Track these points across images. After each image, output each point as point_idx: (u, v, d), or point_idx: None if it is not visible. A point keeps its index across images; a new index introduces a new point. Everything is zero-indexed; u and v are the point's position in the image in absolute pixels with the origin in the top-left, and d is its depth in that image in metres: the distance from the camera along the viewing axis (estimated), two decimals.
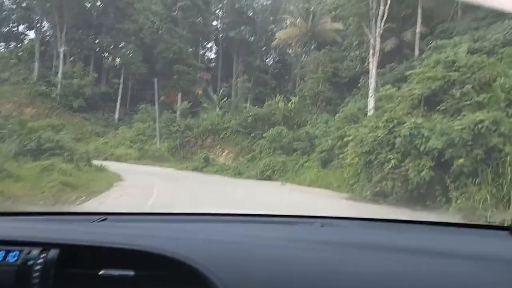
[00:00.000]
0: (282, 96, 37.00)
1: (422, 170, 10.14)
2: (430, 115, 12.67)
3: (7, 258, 1.46)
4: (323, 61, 31.53)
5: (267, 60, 55.60)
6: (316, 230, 1.78)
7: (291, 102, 35.41)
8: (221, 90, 41.94)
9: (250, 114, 33.61)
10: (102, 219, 1.90)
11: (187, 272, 1.37)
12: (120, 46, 44.74)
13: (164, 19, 45.10)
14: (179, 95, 46.11)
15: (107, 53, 46.23)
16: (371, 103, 19.48)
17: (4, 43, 47.76)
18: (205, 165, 28.44)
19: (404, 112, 13.05)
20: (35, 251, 1.46)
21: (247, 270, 1.34)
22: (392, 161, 11.39)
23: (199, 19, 48.11)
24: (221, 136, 34.50)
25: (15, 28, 49.56)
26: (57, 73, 43.71)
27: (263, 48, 54.08)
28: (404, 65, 21.16)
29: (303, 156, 24.54)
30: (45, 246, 1.49)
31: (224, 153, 33.33)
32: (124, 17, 44.32)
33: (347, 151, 16.03)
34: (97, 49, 46.23)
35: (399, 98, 14.24)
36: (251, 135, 33.16)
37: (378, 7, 20.31)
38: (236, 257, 1.41)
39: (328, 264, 1.35)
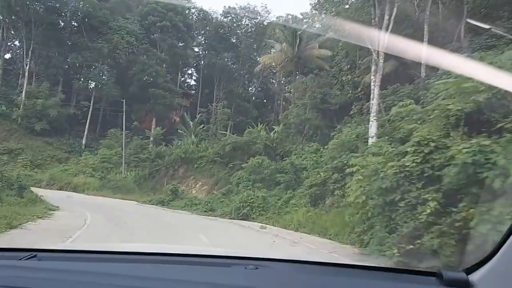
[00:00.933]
0: (265, 125, 33.19)
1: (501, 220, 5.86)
2: (472, 137, 8.59)
3: None
4: (311, 86, 27.75)
5: (249, 89, 51.96)
6: (250, 273, 1.67)
7: (274, 131, 31.53)
8: (198, 115, 37.64)
9: (229, 142, 29.33)
10: (30, 256, 1.72)
11: None
12: (92, 66, 40.36)
13: (140, 40, 41.14)
14: (154, 120, 41.78)
15: (78, 74, 41.72)
16: (373, 128, 15.53)
17: None
18: (172, 198, 23.86)
19: (435, 134, 8.99)
20: None
21: None
22: (431, 204, 7.24)
23: (179, 42, 44.38)
24: (195, 166, 30.05)
25: None
26: (22, 92, 38.99)
27: (246, 76, 50.55)
28: (411, 86, 17.45)
29: (287, 191, 20.23)
30: None
31: (198, 185, 28.78)
32: (98, 35, 40.25)
33: (348, 186, 11.84)
34: (67, 68, 41.71)
35: (424, 117, 10.20)
36: (228, 166, 28.83)
37: (381, 16, 16.71)
38: None
39: None
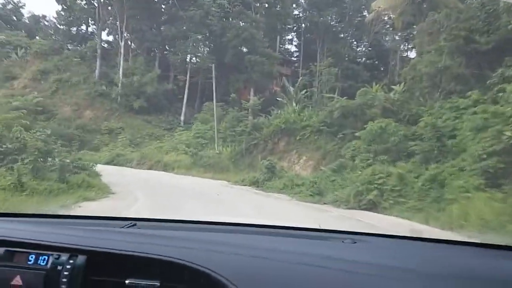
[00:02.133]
0: (382, 85, 26.20)
1: None
2: None
3: (37, 262, 1.41)
4: (446, 25, 20.04)
5: (358, 49, 44.31)
6: (348, 247, 1.65)
7: (394, 91, 24.44)
8: (299, 80, 31.69)
9: (337, 106, 23.07)
10: (131, 224, 1.82)
11: (213, 285, 1.29)
12: (186, 37, 36.59)
13: (233, 2, 36.14)
14: (252, 91, 36.91)
15: (172, 47, 38.40)
16: None
17: (74, 44, 42.30)
18: (268, 178, 18.63)
19: None
20: (64, 257, 1.42)
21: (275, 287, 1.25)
22: None
23: (276, 2, 38.55)
24: (297, 138, 24.40)
25: (84, 28, 44.38)
26: (119, 70, 36.96)
27: (354, 34, 42.91)
28: None
29: (427, 164, 13.51)
30: (74, 251, 1.43)
31: (301, 160, 23.16)
32: (190, 2, 36.28)
33: None
34: (161, 41, 38.63)
35: None
36: (337, 136, 22.70)
37: None
38: (263, 273, 1.31)
39: (361, 283, 1.25)
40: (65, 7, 41.86)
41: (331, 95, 25.85)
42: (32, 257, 1.45)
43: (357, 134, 20.63)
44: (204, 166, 23.53)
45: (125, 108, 35.91)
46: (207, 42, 38.19)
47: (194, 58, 37.99)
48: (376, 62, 42.85)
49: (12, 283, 1.40)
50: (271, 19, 38.07)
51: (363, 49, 43.08)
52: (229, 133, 28.16)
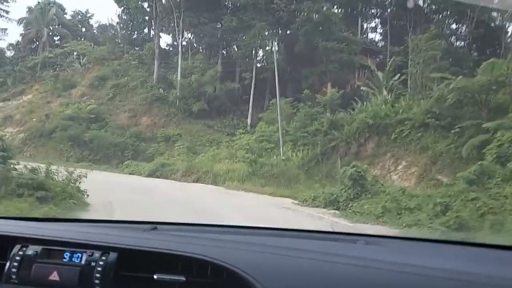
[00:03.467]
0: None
1: None
2: None
3: (72, 259, 1.51)
4: None
5: (460, 31, 35.76)
6: (361, 247, 1.69)
7: None
8: (390, 60, 24.77)
9: (451, 89, 16.20)
10: (153, 227, 1.90)
11: (236, 281, 1.35)
12: (248, 28, 31.44)
13: None
14: (329, 86, 30.58)
15: (234, 40, 33.45)
16: None
17: (134, 48, 39.42)
18: (355, 194, 12.30)
19: None
20: (97, 254, 1.51)
21: (295, 282, 1.31)
22: None
23: None
24: (392, 136, 17.84)
25: (145, 30, 41.47)
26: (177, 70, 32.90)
27: (453, 13, 34.60)
28: None
29: None
30: (105, 249, 1.53)
31: (401, 166, 16.61)
32: None
33: None
34: (222, 36, 33.91)
35: None
36: (452, 130, 15.85)
37: None
38: (283, 270, 1.36)
39: (375, 282, 1.29)
40: (124, 8, 39.21)
41: (440, 74, 18.73)
42: (67, 255, 1.53)
43: (486, 125, 13.83)
44: (265, 177, 17.90)
45: (183, 113, 31.67)
46: (274, 31, 32.78)
47: (260, 52, 32.70)
48: (484, 43, 34.15)
49: (50, 278, 1.47)
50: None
51: (468, 26, 34.42)
52: (300, 134, 22.24)
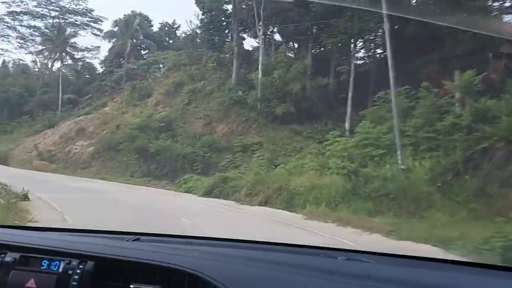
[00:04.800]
0: None
1: None
2: None
3: (50, 267, 1.52)
4: None
5: None
6: (342, 263, 1.66)
7: None
8: None
9: None
10: (135, 238, 1.90)
11: None
12: (343, 11, 24.85)
13: None
14: (457, 74, 22.42)
15: (326, 27, 26.93)
16: None
17: (212, 50, 35.22)
18: None
19: None
20: (74, 262, 1.51)
21: None
22: None
23: None
24: None
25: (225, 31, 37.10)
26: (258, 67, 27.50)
27: None
28: None
29: None
30: (83, 258, 1.52)
31: None
32: None
33: None
34: (310, 22, 27.69)
35: None
36: None
37: None
38: (260, 283, 1.36)
39: None
40: (205, 12, 35.35)
41: None
42: (45, 262, 1.54)
43: None
44: (373, 199, 11.12)
45: (265, 117, 26.04)
46: (376, 14, 25.69)
47: (358, 37, 25.85)
48: None
49: (27, 285, 1.48)
50: None
51: None
52: (425, 135, 15.02)
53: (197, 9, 36.01)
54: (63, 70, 45.89)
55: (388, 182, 11.64)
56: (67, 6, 46.20)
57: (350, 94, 24.90)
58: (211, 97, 29.00)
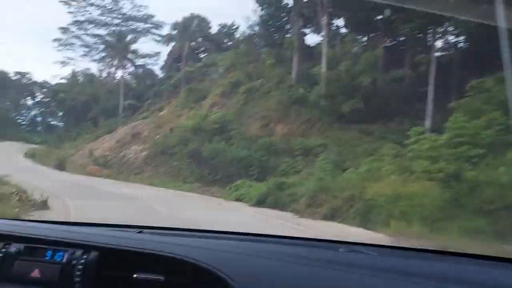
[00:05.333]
0: None
1: None
2: None
3: (54, 257, 1.53)
4: None
5: None
6: (344, 255, 1.69)
7: None
8: None
9: None
10: (138, 231, 1.92)
11: (215, 282, 1.34)
12: None
13: None
14: None
15: (399, 10, 23.38)
16: None
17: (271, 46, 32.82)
18: None
19: None
20: (78, 252, 1.52)
21: (274, 285, 1.31)
22: None
23: None
24: None
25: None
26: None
27: None
28: None
29: None
30: (87, 248, 1.53)
31: None
32: None
33: None
34: (381, 5, 24.26)
35: None
36: None
37: None
38: (263, 273, 1.36)
39: (353, 284, 1.30)
40: (264, 7, 33.09)
41: None
42: (49, 253, 1.55)
43: None
44: (488, 213, 7.77)
45: (330, 116, 23.05)
46: None
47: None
48: None
49: (31, 275, 1.49)
50: None
51: None
52: None
53: (256, 6, 34.01)
54: (125, 77, 46.23)
55: (506, 190, 8.27)
56: (128, 13, 46.62)
57: (431, 87, 21.17)
58: (269, 96, 26.55)
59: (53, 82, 53.37)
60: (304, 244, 1.97)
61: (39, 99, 65.91)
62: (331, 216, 10.91)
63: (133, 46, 46.14)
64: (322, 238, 2.05)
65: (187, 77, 37.97)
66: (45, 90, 57.88)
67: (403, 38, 24.81)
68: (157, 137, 27.33)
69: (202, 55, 44.44)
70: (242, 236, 2.06)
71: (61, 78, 52.14)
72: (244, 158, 21.47)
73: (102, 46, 47.70)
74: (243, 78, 29.58)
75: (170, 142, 25.43)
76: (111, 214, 9.63)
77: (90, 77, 51.77)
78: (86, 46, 47.56)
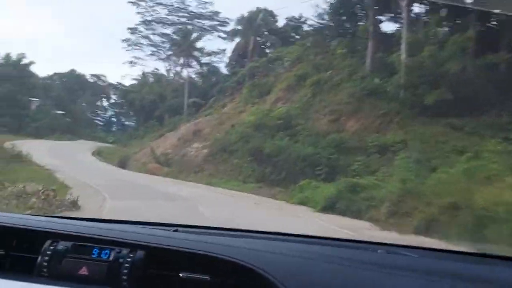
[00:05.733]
0: None
1: None
2: None
3: (100, 255, 1.55)
4: None
5: None
6: (383, 256, 1.70)
7: None
8: None
9: None
10: (174, 229, 1.93)
11: (259, 283, 1.35)
12: None
13: None
14: None
15: None
16: None
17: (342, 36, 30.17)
18: None
19: None
20: (125, 251, 1.53)
21: (317, 286, 1.32)
22: None
23: None
24: None
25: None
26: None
27: None
28: None
29: None
30: (133, 247, 1.54)
31: None
32: None
33: None
34: None
35: None
36: None
37: None
38: (306, 273, 1.37)
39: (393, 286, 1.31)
40: None
41: None
42: (96, 251, 1.56)
43: None
44: None
45: (410, 109, 20.12)
46: None
47: None
48: None
49: (79, 272, 1.51)
50: None
51: None
52: None
53: None
54: (190, 75, 46.07)
55: None
56: (195, 11, 46.33)
57: None
58: (339, 88, 24.05)
59: (125, 83, 54.89)
60: (344, 246, 1.95)
61: (114, 101, 68.55)
62: (425, 229, 8.32)
63: (199, 44, 45.86)
64: (359, 239, 2.05)
65: (252, 73, 36.54)
66: (117, 91, 60.00)
67: (498, 19, 21.08)
68: (218, 134, 25.98)
69: (268, 50, 42.98)
70: (282, 237, 2.05)
71: (132, 79, 53.40)
72: (311, 156, 19.26)
73: (168, 45, 47.96)
74: (310, 70, 27.34)
75: (231, 139, 23.91)
76: (147, 216, 8.11)
77: (158, 77, 52.63)
78: (154, 45, 48.06)
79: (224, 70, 46.30)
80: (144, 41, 48.25)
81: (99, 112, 73.61)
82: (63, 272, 1.51)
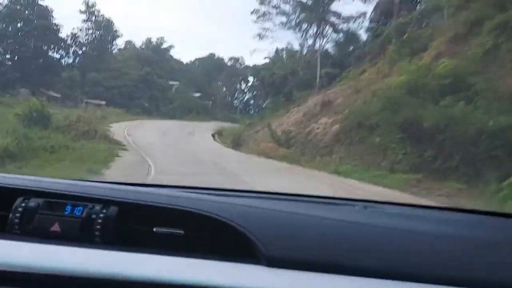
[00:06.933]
0: None
1: None
2: None
3: (73, 212, 1.52)
4: None
5: None
6: (361, 212, 1.71)
7: None
8: None
9: None
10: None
11: (234, 237, 1.35)
12: None
13: None
14: None
15: None
16: None
17: None
18: None
19: None
20: (97, 207, 1.50)
21: (294, 241, 1.32)
22: None
23: None
24: None
25: None
26: None
27: None
28: None
29: None
30: (106, 203, 1.51)
31: None
32: None
33: None
34: None
35: None
36: None
37: None
38: (283, 228, 1.37)
39: (374, 245, 1.29)
40: None
41: None
42: (68, 208, 1.52)
43: None
44: None
45: None
46: None
47: None
48: None
49: (51, 229, 1.49)
50: None
51: None
52: None
53: None
54: (324, 43, 40.15)
55: None
56: None
57: None
58: None
59: (255, 59, 52.14)
60: (322, 202, 1.93)
61: (251, 83, 66.46)
62: None
63: (334, 8, 39.44)
64: (337, 196, 2.09)
65: (400, 31, 28.87)
66: (252, 72, 57.84)
67: None
68: (354, 104, 19.57)
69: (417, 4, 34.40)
70: (260, 194, 2.04)
71: (265, 58, 50.22)
72: (502, 130, 11.70)
73: (299, 13, 42.60)
74: (487, 11, 18.86)
75: (372, 110, 17.30)
76: None
77: (291, 53, 48.51)
78: (284, 13, 43.18)
79: (363, 36, 39.26)
80: (274, 11, 43.85)
81: (237, 95, 72.55)
82: (35, 229, 1.48)
